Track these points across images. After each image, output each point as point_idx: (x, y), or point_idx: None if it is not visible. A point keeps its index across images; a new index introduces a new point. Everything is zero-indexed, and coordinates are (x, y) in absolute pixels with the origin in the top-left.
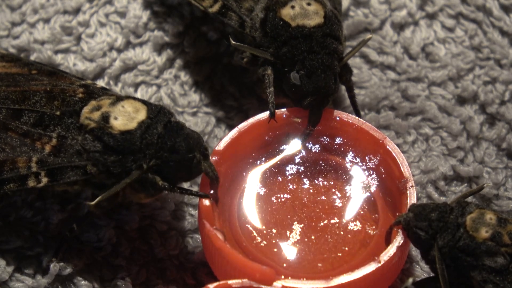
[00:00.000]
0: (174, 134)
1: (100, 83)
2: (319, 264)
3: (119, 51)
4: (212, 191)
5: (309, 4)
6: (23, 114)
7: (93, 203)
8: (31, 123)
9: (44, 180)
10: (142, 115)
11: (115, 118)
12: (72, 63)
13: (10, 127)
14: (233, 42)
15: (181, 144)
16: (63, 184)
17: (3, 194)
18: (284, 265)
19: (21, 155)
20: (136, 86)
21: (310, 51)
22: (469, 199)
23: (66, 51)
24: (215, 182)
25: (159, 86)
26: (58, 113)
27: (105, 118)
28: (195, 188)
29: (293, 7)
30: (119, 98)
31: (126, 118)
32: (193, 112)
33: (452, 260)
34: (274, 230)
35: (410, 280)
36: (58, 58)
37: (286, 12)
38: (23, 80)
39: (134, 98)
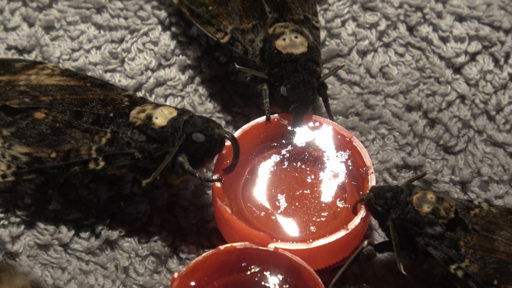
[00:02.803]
0: (195, 117)
1: (139, 94)
2: (302, 231)
3: (153, 70)
4: (227, 168)
5: (296, 37)
6: (84, 115)
7: (148, 181)
8: (90, 122)
9: (102, 163)
10: (174, 115)
11: (156, 118)
12: (118, 79)
13: (74, 125)
14: (237, 66)
15: (199, 120)
16: (115, 168)
17: (69, 175)
18: (277, 231)
19: (84, 145)
20: (166, 97)
21: (295, 71)
22: (415, 182)
23: (113, 70)
24: (233, 141)
25: (183, 97)
26: (111, 115)
27: (149, 117)
28: (209, 174)
29: (284, 39)
30: (158, 105)
31: (163, 117)
32: (208, 117)
33: (402, 228)
34: (269, 205)
35: (366, 242)
36: (107, 76)
37: (279, 43)
38: (81, 90)
39: (169, 106)
